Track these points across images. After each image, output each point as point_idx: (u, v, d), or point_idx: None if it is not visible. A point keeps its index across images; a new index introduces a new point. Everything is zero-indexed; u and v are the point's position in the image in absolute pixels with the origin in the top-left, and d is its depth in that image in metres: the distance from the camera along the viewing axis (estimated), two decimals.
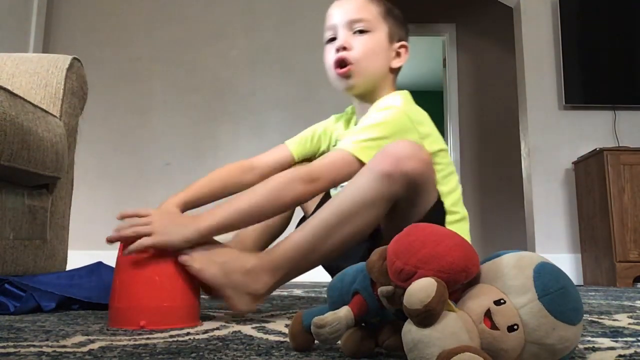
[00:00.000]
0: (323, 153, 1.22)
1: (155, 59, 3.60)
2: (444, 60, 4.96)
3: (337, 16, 1.14)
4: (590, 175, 3.15)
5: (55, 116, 1.47)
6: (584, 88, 3.39)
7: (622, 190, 2.94)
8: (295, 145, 1.25)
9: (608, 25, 3.47)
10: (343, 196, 0.91)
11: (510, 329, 0.51)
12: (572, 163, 3.35)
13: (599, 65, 3.42)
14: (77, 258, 1.74)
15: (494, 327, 0.52)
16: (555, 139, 3.40)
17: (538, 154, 3.41)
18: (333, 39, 1.14)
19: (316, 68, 3.61)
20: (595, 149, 3.10)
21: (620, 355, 0.65)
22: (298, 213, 1.25)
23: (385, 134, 0.99)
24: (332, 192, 1.20)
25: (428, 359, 0.49)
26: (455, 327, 0.50)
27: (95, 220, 3.28)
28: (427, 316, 0.50)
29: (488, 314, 0.52)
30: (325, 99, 3.54)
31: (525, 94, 3.49)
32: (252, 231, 1.18)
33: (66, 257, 1.56)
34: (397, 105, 1.05)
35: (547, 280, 0.54)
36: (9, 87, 1.29)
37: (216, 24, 3.65)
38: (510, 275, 0.55)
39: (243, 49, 3.62)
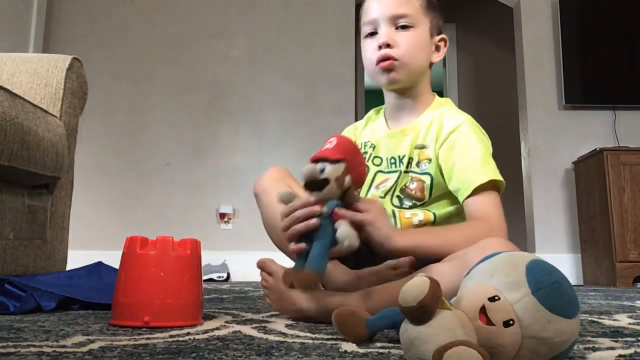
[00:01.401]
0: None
1: (155, 59, 3.59)
2: (444, 60, 4.96)
3: (378, 10, 1.09)
4: (590, 175, 3.15)
5: (55, 116, 1.47)
6: (584, 88, 3.40)
7: (622, 190, 2.94)
8: None
9: (608, 25, 3.47)
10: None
11: (506, 324, 0.52)
12: (572, 163, 3.35)
13: (599, 65, 3.42)
14: (77, 258, 1.74)
15: (489, 323, 0.52)
16: (555, 139, 3.40)
17: (538, 154, 3.41)
18: (373, 33, 1.10)
19: (316, 68, 3.63)
20: (595, 149, 3.10)
21: (620, 355, 0.65)
22: None
23: (489, 154, 1.08)
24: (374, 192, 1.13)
25: (425, 355, 0.50)
26: (450, 323, 0.51)
27: (95, 220, 3.28)
28: (421, 312, 0.51)
29: (483, 311, 0.53)
30: (325, 99, 3.54)
31: (525, 94, 3.49)
32: None
33: (66, 257, 1.56)
34: (479, 129, 1.11)
35: (540, 276, 0.55)
36: (9, 87, 1.29)
37: (216, 23, 3.65)
38: (504, 272, 0.56)
39: (243, 49, 3.62)
